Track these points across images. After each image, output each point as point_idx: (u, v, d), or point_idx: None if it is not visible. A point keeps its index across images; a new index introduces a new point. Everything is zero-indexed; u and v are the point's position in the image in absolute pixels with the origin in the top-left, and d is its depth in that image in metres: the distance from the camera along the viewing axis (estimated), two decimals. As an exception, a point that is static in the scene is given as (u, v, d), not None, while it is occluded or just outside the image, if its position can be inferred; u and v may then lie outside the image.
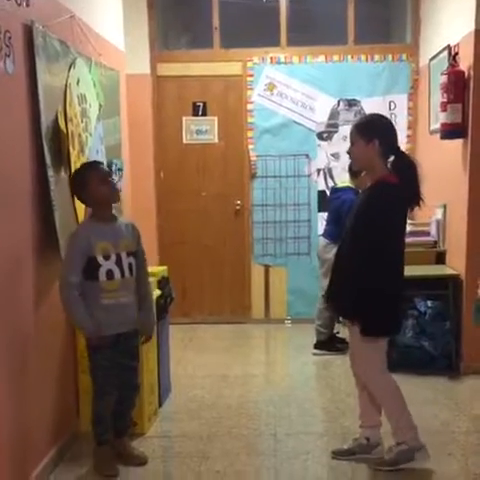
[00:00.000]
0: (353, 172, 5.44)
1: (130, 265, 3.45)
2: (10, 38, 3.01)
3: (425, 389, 4.53)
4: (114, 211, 3.53)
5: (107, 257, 3.36)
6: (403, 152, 3.41)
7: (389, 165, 3.36)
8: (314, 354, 5.53)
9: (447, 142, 4.96)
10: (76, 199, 3.63)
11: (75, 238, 3.35)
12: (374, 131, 3.33)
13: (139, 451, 3.67)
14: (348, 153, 3.49)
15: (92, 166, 3.52)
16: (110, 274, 3.37)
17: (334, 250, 5.45)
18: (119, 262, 3.40)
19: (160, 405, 4.34)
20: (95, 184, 3.36)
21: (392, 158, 3.35)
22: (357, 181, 5.42)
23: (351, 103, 6.44)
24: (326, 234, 5.61)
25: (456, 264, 5.00)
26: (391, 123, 3.47)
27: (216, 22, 6.46)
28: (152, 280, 4.06)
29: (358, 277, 3.27)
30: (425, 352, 4.87)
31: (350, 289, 3.32)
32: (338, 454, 3.59)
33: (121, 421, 3.62)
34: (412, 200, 3.32)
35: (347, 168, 5.57)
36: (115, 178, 4.57)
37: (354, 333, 3.41)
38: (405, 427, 3.41)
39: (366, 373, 3.47)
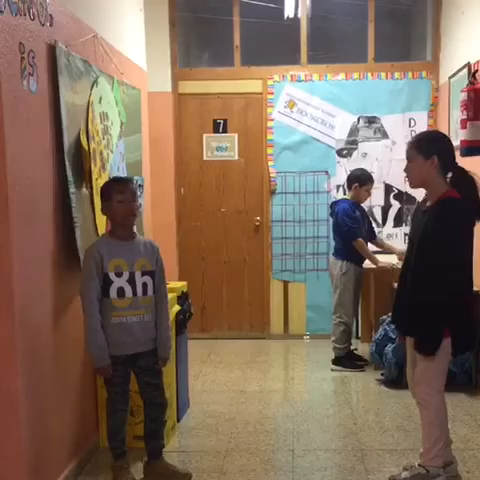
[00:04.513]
0: (348, 185, 5.53)
1: (145, 285, 3.39)
2: (34, 57, 3.09)
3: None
4: (134, 230, 3.52)
5: (119, 274, 3.32)
6: (462, 168, 3.31)
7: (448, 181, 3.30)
8: (332, 370, 5.53)
9: (467, 159, 4.94)
10: (97, 215, 3.68)
11: (89, 254, 3.34)
12: (433, 148, 3.28)
13: (183, 468, 3.63)
14: (405, 171, 3.41)
15: (116, 181, 3.50)
16: (121, 292, 3.33)
17: (340, 265, 5.52)
18: (132, 280, 3.35)
19: (178, 420, 4.36)
20: (114, 201, 3.34)
21: (450, 174, 3.29)
22: (351, 194, 5.50)
23: (371, 120, 6.47)
24: (334, 250, 5.66)
25: (477, 280, 4.95)
26: (449, 139, 3.41)
27: (237, 40, 6.53)
28: (172, 295, 4.08)
29: (428, 294, 3.19)
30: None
31: (419, 307, 3.23)
32: None
33: (154, 441, 3.58)
34: (475, 214, 3.27)
35: (345, 180, 5.69)
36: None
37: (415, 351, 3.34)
38: (436, 455, 3.36)
39: (422, 391, 3.40)
